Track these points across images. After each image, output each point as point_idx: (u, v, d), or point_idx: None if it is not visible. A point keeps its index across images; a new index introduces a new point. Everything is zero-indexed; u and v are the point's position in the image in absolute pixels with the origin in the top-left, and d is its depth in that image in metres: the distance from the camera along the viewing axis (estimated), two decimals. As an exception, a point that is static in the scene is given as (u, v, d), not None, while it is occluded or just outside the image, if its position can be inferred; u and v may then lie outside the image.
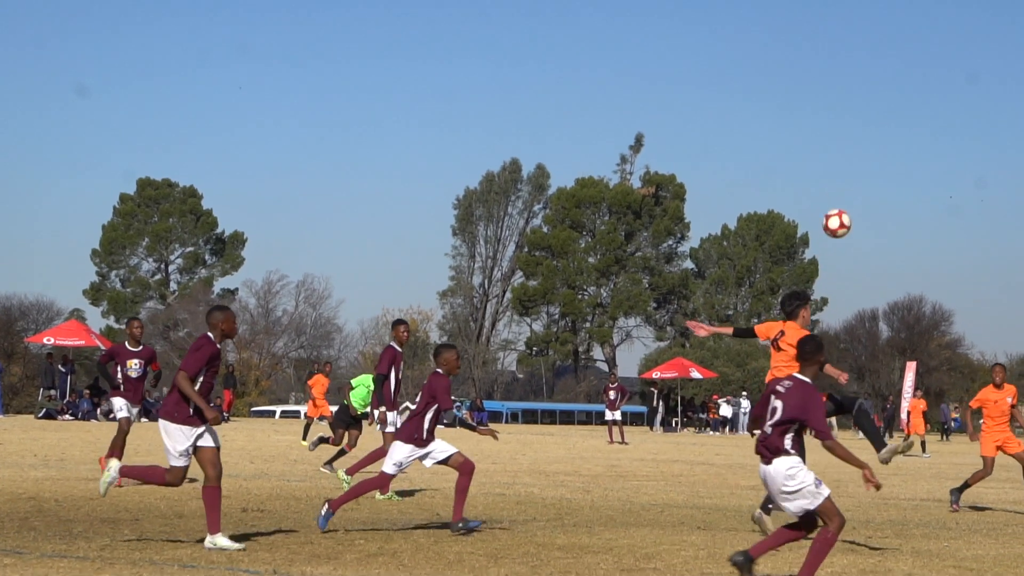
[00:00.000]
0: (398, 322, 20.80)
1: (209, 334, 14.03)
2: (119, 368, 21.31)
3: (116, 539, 14.11)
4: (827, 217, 18.42)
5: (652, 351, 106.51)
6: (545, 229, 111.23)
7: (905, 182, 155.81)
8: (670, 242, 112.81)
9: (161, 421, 13.73)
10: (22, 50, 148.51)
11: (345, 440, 24.84)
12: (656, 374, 78.26)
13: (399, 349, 20.27)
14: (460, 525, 15.07)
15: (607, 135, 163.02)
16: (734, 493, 23.64)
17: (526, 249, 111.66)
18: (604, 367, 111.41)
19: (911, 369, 79.74)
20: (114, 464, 14.20)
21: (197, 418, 13.59)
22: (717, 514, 19.20)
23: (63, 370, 56.37)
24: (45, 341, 62.13)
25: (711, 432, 69.46)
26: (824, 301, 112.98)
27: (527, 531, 15.85)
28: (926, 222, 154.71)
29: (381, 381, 20.07)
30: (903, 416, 72.21)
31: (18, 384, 69.82)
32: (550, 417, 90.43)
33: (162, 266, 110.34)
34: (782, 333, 16.02)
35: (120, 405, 21.26)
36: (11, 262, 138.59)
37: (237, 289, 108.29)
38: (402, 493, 20.39)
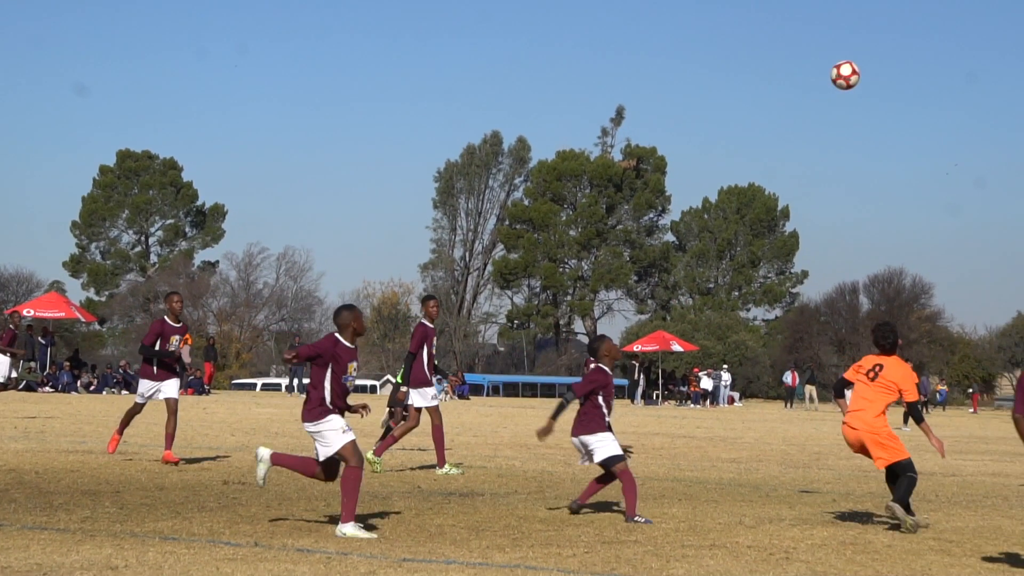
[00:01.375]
0: (428, 298, 20.67)
1: (337, 335, 13.36)
2: (160, 344, 20.29)
3: (97, 511, 14.09)
4: (837, 67, 18.35)
5: (633, 324, 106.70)
6: (526, 202, 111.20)
7: (885, 155, 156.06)
8: (651, 215, 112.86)
9: (309, 426, 13.31)
10: (2, 27, 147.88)
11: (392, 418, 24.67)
12: (637, 347, 78.28)
13: (430, 325, 20.11)
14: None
15: (588, 108, 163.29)
16: (715, 466, 23.69)
17: (507, 222, 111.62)
18: (585, 340, 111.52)
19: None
20: (264, 452, 13.68)
21: (339, 413, 13.27)
22: (698, 487, 19.23)
23: (43, 342, 56.20)
24: (25, 313, 61.95)
25: (692, 405, 69.55)
26: (804, 274, 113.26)
27: (508, 504, 15.87)
28: (906, 195, 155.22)
29: (411, 360, 19.91)
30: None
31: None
32: (531, 390, 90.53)
33: (142, 238, 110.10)
34: (880, 367, 15.09)
35: (144, 391, 20.40)
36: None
37: (218, 262, 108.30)
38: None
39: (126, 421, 20.42)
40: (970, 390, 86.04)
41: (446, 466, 19.92)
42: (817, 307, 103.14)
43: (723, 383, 74.24)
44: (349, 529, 12.75)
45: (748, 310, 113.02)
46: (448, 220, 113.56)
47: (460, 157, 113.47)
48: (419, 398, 19.89)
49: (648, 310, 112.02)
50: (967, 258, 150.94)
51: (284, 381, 67.54)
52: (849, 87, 18.40)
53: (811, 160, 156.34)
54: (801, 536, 13.65)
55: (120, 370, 58.61)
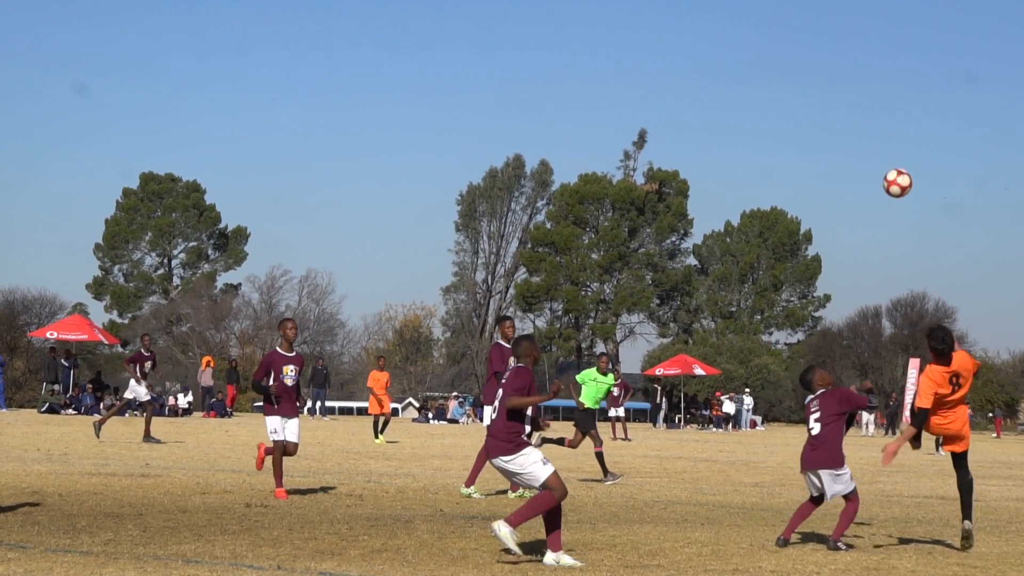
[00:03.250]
0: (503, 319, 20.81)
1: (520, 363, 13.42)
2: (272, 377, 19.30)
3: (120, 534, 14.10)
4: (889, 183, 18.28)
5: (655, 347, 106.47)
6: (548, 225, 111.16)
7: (916, 183, 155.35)
8: (673, 238, 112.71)
9: (502, 461, 13.09)
10: (24, 45, 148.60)
11: (574, 439, 24.50)
12: (659, 371, 78.17)
13: (507, 345, 20.09)
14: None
15: (610, 131, 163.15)
16: (737, 490, 23.63)
17: (529, 245, 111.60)
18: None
19: (914, 366, 79.56)
20: (502, 528, 12.77)
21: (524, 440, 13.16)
22: (720, 511, 19.19)
23: (66, 364, 56.37)
24: (48, 335, 62.16)
25: (714, 429, 69.39)
26: (827, 298, 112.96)
27: (530, 528, 15.84)
28: (929, 219, 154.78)
29: (495, 378, 19.89)
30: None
31: (21, 378, 69.78)
32: (553, 413, 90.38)
33: (165, 261, 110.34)
34: (957, 376, 15.01)
35: (274, 427, 19.21)
36: (14, 256, 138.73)
37: (240, 284, 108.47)
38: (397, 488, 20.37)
39: (278, 468, 19.12)
40: (991, 415, 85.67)
41: (472, 488, 19.97)
42: (839, 331, 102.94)
43: (745, 407, 74.07)
44: (504, 528, 12.69)
45: (770, 334, 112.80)
46: (470, 243, 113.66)
47: (483, 180, 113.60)
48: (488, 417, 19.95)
49: (670, 333, 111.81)
50: (990, 282, 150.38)
51: (307, 404, 67.52)
52: (902, 192, 18.29)
53: (834, 184, 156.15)
54: (824, 561, 13.60)
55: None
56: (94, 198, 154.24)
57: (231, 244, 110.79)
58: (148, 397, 33.94)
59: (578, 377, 25.26)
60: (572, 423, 25.30)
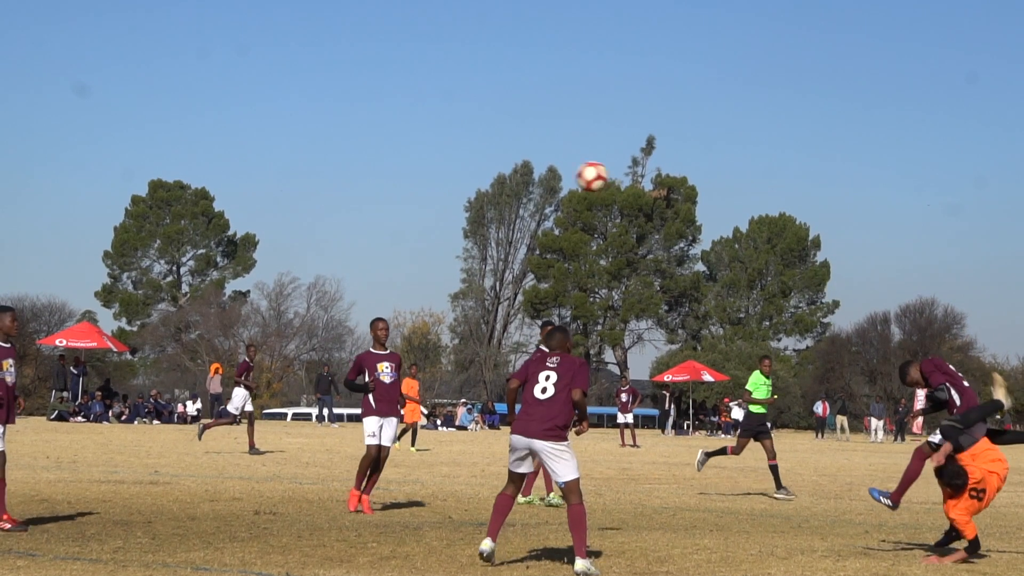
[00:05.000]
0: (545, 323, 20.85)
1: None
2: (367, 376, 18.72)
3: (129, 541, 14.12)
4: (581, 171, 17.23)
5: (663, 354, 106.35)
6: (556, 231, 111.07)
7: (916, 184, 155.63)
8: (681, 245, 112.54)
9: (551, 445, 13.19)
10: (31, 51, 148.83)
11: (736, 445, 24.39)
12: (668, 377, 78.18)
13: (545, 348, 20.10)
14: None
15: (618, 137, 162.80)
16: (746, 496, 23.62)
17: (537, 252, 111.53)
18: (615, 370, 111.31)
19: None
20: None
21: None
22: (730, 517, 19.18)
23: (75, 372, 56.45)
24: (57, 343, 62.24)
25: (723, 435, 69.35)
26: (836, 304, 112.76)
27: (539, 534, 15.84)
28: (937, 224, 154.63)
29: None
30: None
31: (30, 386, 69.84)
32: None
33: (174, 268, 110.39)
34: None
35: (372, 430, 18.58)
36: (23, 264, 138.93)
37: (249, 291, 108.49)
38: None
39: (363, 472, 18.49)
40: (1002, 421, 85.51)
41: (552, 494, 20.03)
42: (848, 337, 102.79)
43: (754, 413, 73.86)
44: (583, 562, 12.73)
45: (779, 340, 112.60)
46: (479, 250, 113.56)
47: (491, 187, 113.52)
48: None
49: (679, 340, 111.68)
50: (999, 288, 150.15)
51: (315, 411, 67.53)
52: (589, 189, 17.45)
53: (842, 189, 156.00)
54: (833, 568, 13.59)
55: (152, 399, 58.75)
56: (103, 206, 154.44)
57: (239, 251, 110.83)
58: (251, 409, 33.60)
59: (749, 385, 24.67)
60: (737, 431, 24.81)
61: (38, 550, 13.26)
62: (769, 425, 24.62)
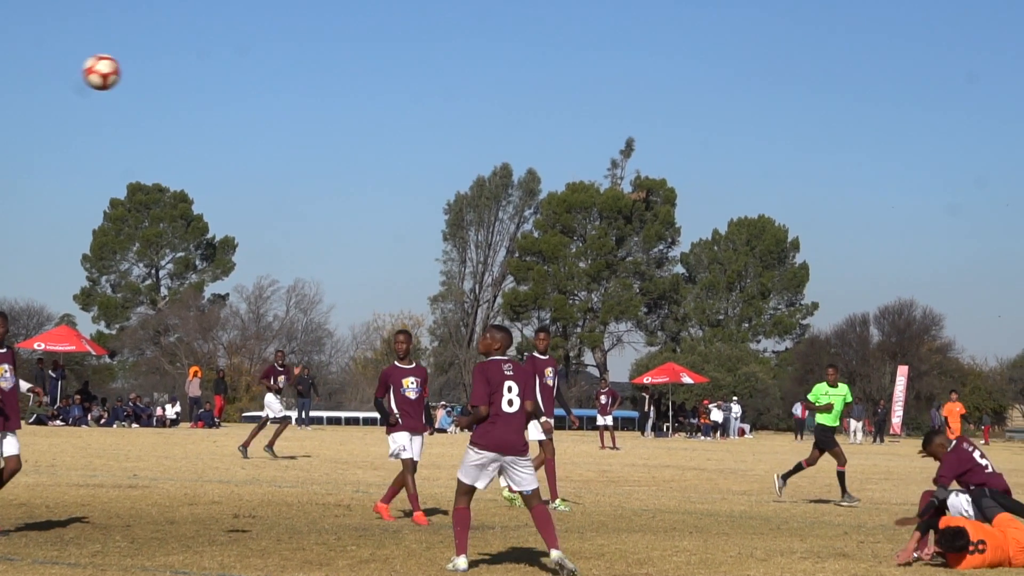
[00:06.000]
0: (538, 330, 20.79)
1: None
2: (392, 391, 18.05)
3: (108, 545, 14.09)
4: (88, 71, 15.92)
5: (643, 356, 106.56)
6: (536, 234, 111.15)
7: (895, 186, 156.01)
8: (661, 247, 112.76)
9: (524, 460, 13.23)
10: (12, 56, 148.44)
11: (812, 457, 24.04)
12: (647, 379, 78.25)
13: (541, 357, 20.02)
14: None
15: (598, 140, 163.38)
16: (725, 498, 23.65)
17: (517, 254, 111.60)
18: (595, 372, 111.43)
19: (903, 373, 79.77)
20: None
21: None
22: (709, 519, 19.20)
23: (53, 376, 56.30)
24: (36, 346, 62.08)
25: (702, 437, 69.38)
26: (815, 306, 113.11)
27: (519, 537, 15.85)
28: (916, 226, 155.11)
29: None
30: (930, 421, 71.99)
31: (8, 390, 69.65)
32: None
33: (153, 271, 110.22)
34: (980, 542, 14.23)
35: (401, 444, 18.01)
36: (1, 267, 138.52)
37: (228, 295, 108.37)
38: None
39: (412, 489, 18.06)
40: (979, 423, 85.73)
41: (558, 500, 19.99)
42: (827, 338, 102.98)
43: (733, 415, 74.08)
44: (557, 553, 12.83)
45: (758, 342, 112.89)
46: (458, 252, 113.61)
47: (470, 189, 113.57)
48: (533, 430, 19.75)
49: (658, 342, 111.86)
50: (977, 289, 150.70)
51: (293, 414, 67.43)
52: (104, 82, 16.06)
53: (821, 191, 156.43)
54: (813, 569, 13.61)
55: (130, 403, 58.62)
56: (81, 209, 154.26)
57: (219, 254, 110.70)
58: (283, 414, 33.17)
59: (810, 396, 24.07)
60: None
61: (16, 554, 13.22)
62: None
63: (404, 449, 17.97)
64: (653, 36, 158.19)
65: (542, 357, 20.03)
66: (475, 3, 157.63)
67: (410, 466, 17.98)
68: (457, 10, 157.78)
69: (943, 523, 14.37)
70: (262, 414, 33.75)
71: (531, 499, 13.07)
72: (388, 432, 18.11)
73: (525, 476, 13.08)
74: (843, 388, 23.96)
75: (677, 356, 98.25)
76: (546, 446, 19.94)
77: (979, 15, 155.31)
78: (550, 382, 19.92)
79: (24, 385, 16.16)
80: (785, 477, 23.45)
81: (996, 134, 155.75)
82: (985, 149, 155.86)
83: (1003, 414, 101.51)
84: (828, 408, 23.64)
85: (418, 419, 18.07)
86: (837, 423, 23.84)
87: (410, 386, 18.00)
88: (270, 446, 31.73)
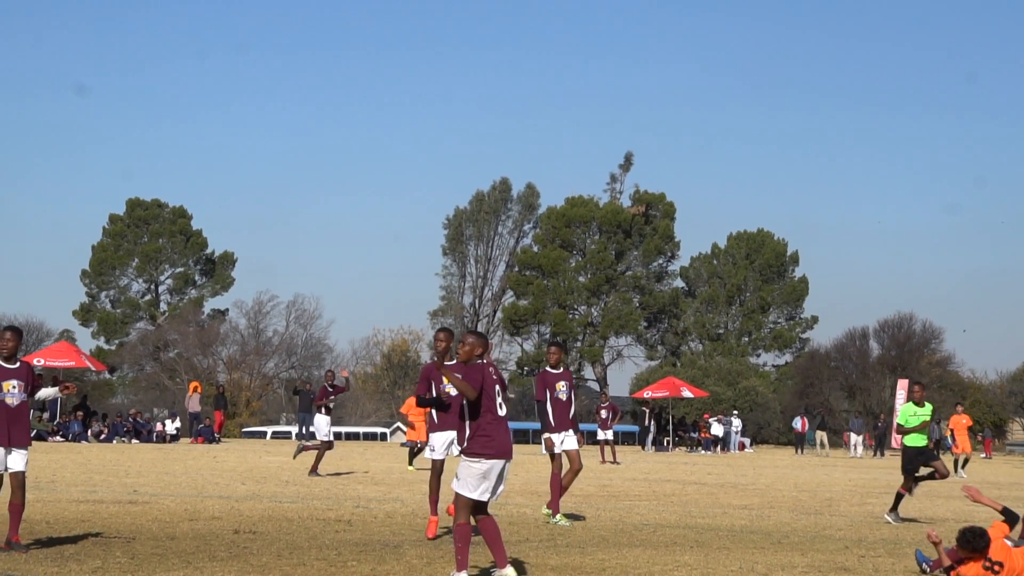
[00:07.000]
0: (549, 344, 20.69)
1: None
2: (432, 387, 17.76)
3: (108, 561, 14.07)
4: None
5: (643, 370, 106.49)
6: (535, 248, 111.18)
7: (894, 200, 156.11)
8: (660, 261, 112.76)
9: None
10: (10, 69, 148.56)
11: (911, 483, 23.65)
12: (647, 393, 78.24)
13: (551, 371, 20.00)
14: None
15: (597, 154, 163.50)
16: (726, 512, 23.62)
17: (516, 268, 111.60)
18: (595, 386, 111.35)
19: (903, 387, 79.69)
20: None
21: None
22: (710, 533, 19.17)
23: (53, 392, 56.23)
24: (35, 362, 62.01)
25: (702, 451, 69.35)
26: (814, 319, 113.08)
27: (520, 552, 15.82)
28: (916, 240, 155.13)
29: (540, 408, 19.86)
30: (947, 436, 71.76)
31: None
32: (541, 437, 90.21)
33: (152, 287, 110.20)
34: (1000, 565, 13.97)
35: (436, 444, 18.05)
36: (1, 282, 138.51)
37: (227, 310, 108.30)
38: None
39: (435, 491, 18.07)
40: (980, 436, 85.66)
41: (559, 515, 19.93)
42: (827, 352, 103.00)
43: (734, 429, 74.07)
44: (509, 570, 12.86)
45: (758, 356, 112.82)
46: (457, 267, 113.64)
47: (469, 204, 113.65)
48: (557, 442, 19.78)
49: (658, 356, 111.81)
50: (977, 303, 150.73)
51: (294, 429, 67.42)
52: None
53: (820, 205, 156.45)
54: (814, 583, 13.59)
55: (130, 419, 58.60)
56: (81, 224, 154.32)
57: (218, 270, 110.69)
58: (328, 438, 33.05)
59: (899, 419, 23.57)
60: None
61: (16, 570, 13.20)
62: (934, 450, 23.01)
63: (433, 450, 18.00)
64: (652, 50, 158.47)
65: (554, 371, 20.00)
66: (473, 17, 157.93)
67: (439, 467, 17.97)
68: (456, 26, 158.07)
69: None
70: (320, 436, 33.41)
71: (484, 508, 13.05)
72: (431, 430, 17.96)
73: (503, 483, 13.10)
74: (928, 406, 23.30)
75: (677, 370, 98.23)
76: (556, 459, 19.90)
77: (979, 15, 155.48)
78: (562, 396, 19.86)
79: (50, 391, 16.11)
80: (896, 507, 22.77)
81: (996, 138, 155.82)
82: (987, 156, 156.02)
83: (1003, 427, 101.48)
84: (924, 427, 23.01)
85: (452, 420, 17.25)
86: (927, 442, 23.27)
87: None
88: (314, 470, 31.82)
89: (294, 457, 34.87)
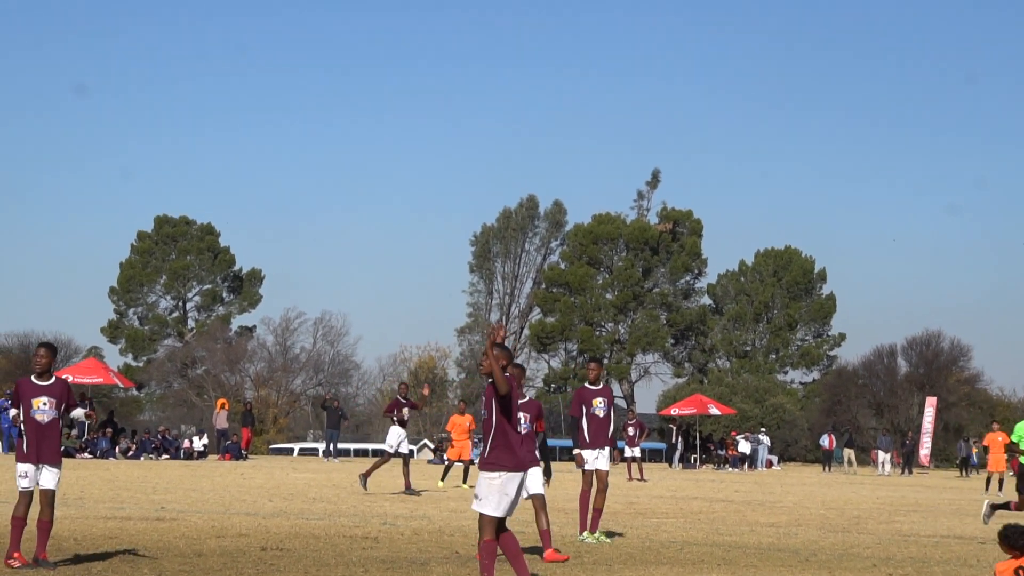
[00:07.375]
0: (589, 360, 20.68)
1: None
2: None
3: (135, 578, 14.09)
4: None
5: (670, 387, 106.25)
6: (562, 265, 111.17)
7: (922, 218, 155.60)
8: (687, 278, 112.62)
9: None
10: (49, 85, 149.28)
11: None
12: (675, 410, 78.11)
13: (589, 387, 19.94)
14: None
15: (624, 171, 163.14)
16: (754, 530, 23.56)
17: (543, 286, 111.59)
18: (622, 404, 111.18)
19: (931, 404, 79.51)
20: None
21: None
22: (737, 551, 19.12)
23: (81, 408, 56.37)
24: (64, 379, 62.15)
25: (730, 469, 69.20)
26: (842, 337, 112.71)
27: (548, 570, 15.81)
28: (944, 257, 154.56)
29: (573, 423, 19.84)
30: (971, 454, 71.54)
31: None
32: (568, 454, 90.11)
33: (180, 304, 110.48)
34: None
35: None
36: (29, 300, 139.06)
37: (255, 327, 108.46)
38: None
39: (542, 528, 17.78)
40: (1007, 456, 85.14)
41: (585, 533, 19.89)
42: (855, 370, 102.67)
43: (761, 446, 73.90)
44: None
45: (785, 373, 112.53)
46: (484, 284, 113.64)
47: (496, 221, 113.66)
48: (590, 459, 19.76)
49: (685, 373, 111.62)
50: (1006, 320, 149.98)
51: (321, 446, 67.46)
52: None
53: (848, 222, 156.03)
54: (841, 602, 13.54)
55: (159, 435, 58.73)
56: (109, 242, 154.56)
57: (245, 286, 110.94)
58: (406, 450, 32.79)
59: (1014, 436, 23.23)
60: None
61: (45, 587, 13.23)
62: None
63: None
64: (680, 68, 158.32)
65: (592, 387, 19.96)
66: (502, 34, 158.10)
67: (539, 503, 17.74)
68: (484, 42, 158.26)
69: None
70: (386, 447, 33.10)
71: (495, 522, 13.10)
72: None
73: (520, 495, 13.12)
74: None
75: (704, 387, 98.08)
76: (587, 476, 19.81)
77: (979, 15, 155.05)
78: (600, 413, 19.75)
79: (79, 412, 16.21)
80: (994, 507, 22.56)
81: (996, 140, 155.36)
82: (986, 153, 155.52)
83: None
84: None
85: (530, 451, 17.40)
86: None
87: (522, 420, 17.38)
88: (408, 487, 31.69)
89: (364, 488, 32.70)
